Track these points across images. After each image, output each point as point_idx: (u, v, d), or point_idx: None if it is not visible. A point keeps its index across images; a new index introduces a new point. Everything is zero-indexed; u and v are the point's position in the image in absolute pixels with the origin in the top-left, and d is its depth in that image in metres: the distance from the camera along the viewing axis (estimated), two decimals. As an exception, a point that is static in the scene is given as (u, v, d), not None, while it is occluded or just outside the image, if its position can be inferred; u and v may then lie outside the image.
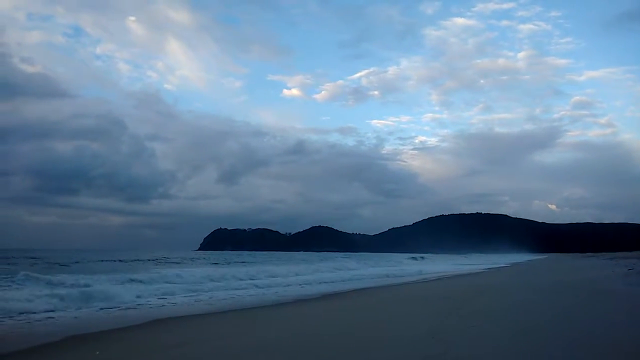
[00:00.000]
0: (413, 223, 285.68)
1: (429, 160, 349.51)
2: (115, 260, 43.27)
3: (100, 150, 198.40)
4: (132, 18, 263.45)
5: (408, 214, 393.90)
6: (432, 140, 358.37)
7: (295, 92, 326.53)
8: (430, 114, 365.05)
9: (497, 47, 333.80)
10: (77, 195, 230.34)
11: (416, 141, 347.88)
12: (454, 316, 9.61)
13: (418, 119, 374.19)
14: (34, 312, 11.49)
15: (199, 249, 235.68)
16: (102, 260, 42.44)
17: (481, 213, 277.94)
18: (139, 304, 13.79)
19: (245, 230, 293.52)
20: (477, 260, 69.14)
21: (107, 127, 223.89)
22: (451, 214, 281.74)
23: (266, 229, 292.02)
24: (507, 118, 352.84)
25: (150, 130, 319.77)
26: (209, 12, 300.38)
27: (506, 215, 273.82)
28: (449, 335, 7.50)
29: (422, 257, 70.74)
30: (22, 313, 11.27)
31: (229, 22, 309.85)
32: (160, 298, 15.30)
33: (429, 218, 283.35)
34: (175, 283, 19.44)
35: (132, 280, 19.28)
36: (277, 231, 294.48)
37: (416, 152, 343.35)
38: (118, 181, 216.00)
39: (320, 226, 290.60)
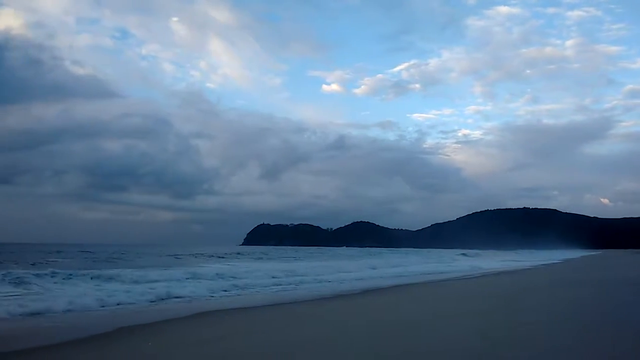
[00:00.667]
0: (457, 218, 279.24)
1: (472, 153, 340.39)
2: (167, 255, 44.63)
3: (147, 148, 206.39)
4: (175, 18, 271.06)
5: (451, 209, 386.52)
6: (476, 133, 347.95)
7: (334, 87, 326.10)
8: (474, 107, 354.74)
9: (543, 36, 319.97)
10: (127, 192, 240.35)
11: (459, 134, 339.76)
12: (503, 314, 9.29)
13: (461, 112, 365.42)
14: (86, 306, 11.92)
15: (243, 244, 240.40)
16: (153, 255, 43.97)
17: (529, 208, 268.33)
18: (187, 297, 14.16)
19: (287, 225, 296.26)
20: (528, 256, 66.88)
21: (154, 126, 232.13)
22: (497, 209, 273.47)
23: (308, 224, 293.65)
24: (555, 109, 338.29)
25: (195, 128, 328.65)
26: (249, 11, 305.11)
27: (556, 210, 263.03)
28: (497, 333, 7.25)
29: (477, 254, 68.91)
30: (69, 310, 11.62)
31: (269, 20, 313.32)
32: (209, 291, 15.63)
33: (473, 213, 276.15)
34: (221, 278, 19.97)
35: (179, 274, 19.88)
36: (318, 226, 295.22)
37: (459, 145, 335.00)
38: (165, 178, 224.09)
39: (361, 221, 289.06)
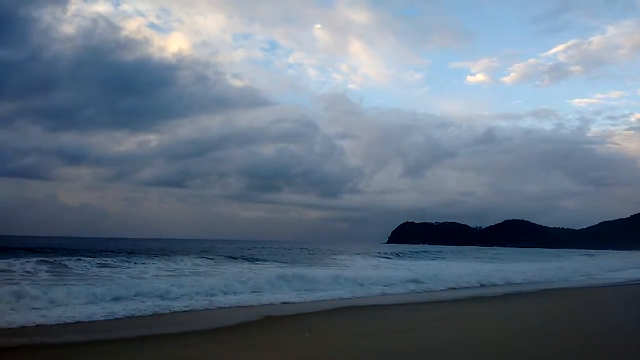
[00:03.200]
0: (631, 215, 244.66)
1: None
2: (335, 254, 47.39)
3: (297, 151, 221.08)
4: (318, 26, 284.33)
5: (624, 205, 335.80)
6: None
7: (480, 77, 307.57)
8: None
9: None
10: (279, 192, 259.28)
11: (632, 119, 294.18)
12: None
13: (633, 94, 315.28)
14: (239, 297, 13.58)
15: (387, 242, 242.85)
16: (326, 253, 46.30)
17: None
18: (331, 293, 15.00)
19: (432, 224, 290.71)
20: None
21: (302, 130, 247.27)
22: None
23: (454, 223, 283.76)
24: None
25: (339, 130, 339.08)
26: (387, 8, 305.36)
27: None
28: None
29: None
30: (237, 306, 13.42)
31: (407, 15, 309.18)
32: (361, 287, 16.63)
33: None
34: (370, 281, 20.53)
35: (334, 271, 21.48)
36: (466, 225, 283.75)
37: (632, 132, 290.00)
38: (313, 178, 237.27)
39: (514, 219, 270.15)
